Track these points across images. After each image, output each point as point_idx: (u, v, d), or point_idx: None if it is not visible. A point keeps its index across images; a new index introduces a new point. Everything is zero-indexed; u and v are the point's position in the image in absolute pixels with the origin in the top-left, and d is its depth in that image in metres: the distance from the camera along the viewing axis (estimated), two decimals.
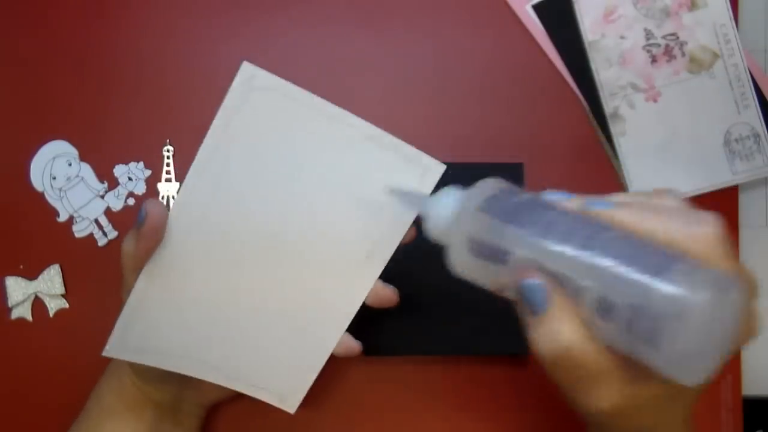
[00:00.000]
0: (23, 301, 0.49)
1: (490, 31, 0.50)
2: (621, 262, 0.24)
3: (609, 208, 0.27)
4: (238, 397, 0.45)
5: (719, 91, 0.49)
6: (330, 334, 0.40)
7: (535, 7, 0.49)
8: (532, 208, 0.28)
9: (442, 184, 0.48)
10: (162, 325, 0.38)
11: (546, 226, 0.27)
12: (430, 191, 0.38)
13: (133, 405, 0.42)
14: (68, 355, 0.49)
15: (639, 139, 0.49)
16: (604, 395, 0.27)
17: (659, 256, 0.24)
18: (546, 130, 0.50)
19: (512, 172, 0.49)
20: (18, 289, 0.48)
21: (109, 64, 0.50)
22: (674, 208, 0.27)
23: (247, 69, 0.37)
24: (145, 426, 0.42)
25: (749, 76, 0.49)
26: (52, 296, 0.49)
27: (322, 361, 0.40)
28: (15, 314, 0.49)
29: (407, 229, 0.39)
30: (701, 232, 0.26)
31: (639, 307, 0.24)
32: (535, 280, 0.27)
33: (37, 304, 0.49)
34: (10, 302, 0.48)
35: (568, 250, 0.26)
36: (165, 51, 0.50)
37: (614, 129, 0.49)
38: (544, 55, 0.50)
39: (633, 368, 0.26)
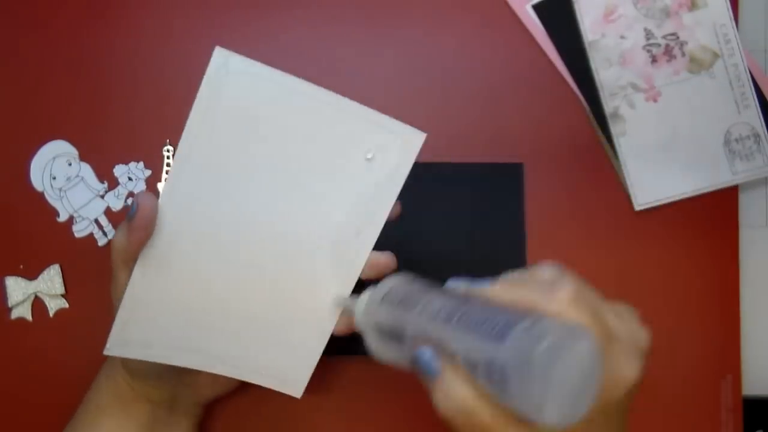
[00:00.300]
0: (23, 301, 0.49)
1: (490, 31, 0.50)
2: (474, 327, 0.29)
3: (485, 286, 0.32)
4: (235, 394, 0.46)
5: (719, 91, 0.49)
6: (328, 314, 0.40)
7: (535, 7, 0.49)
8: (420, 293, 0.34)
9: (443, 177, 0.49)
10: (160, 318, 0.38)
11: (425, 306, 0.32)
12: (413, 160, 0.39)
13: (128, 404, 0.42)
14: (68, 355, 0.49)
15: (639, 139, 0.49)
16: None
17: (509, 316, 0.28)
18: (546, 130, 0.50)
19: (512, 172, 0.49)
20: (18, 289, 0.48)
21: (109, 64, 0.50)
22: (542, 278, 0.32)
23: (220, 54, 0.37)
24: (139, 425, 0.42)
25: (749, 76, 0.49)
26: (52, 296, 0.49)
27: (323, 343, 0.40)
28: (15, 314, 0.49)
29: (393, 202, 0.39)
30: (557, 294, 0.30)
31: (490, 361, 0.28)
32: (422, 350, 0.31)
33: (37, 304, 0.49)
34: (10, 302, 0.48)
35: (438, 323, 0.31)
36: (165, 51, 0.50)
37: (614, 129, 0.49)
38: (544, 55, 0.50)
39: (525, 421, 0.29)
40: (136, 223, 0.36)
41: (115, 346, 0.38)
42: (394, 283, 0.36)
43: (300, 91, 0.38)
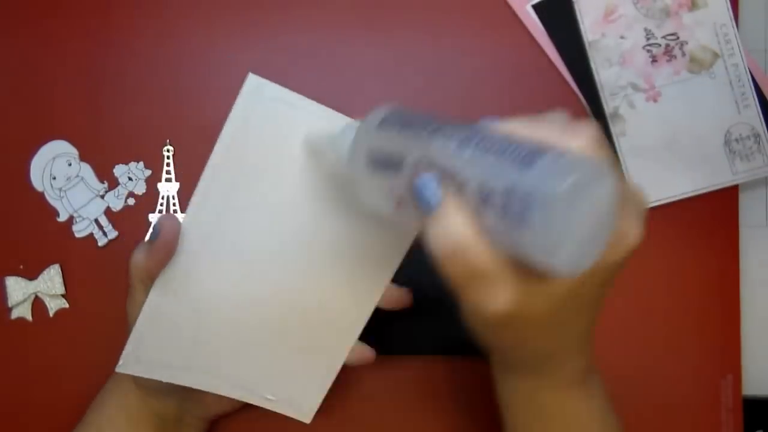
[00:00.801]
0: (23, 301, 0.49)
1: (490, 31, 0.50)
2: (496, 153, 0.26)
3: (497, 122, 0.29)
4: (241, 409, 0.45)
5: (719, 91, 0.49)
6: (342, 342, 0.40)
7: (535, 7, 0.49)
8: (425, 119, 0.30)
9: None
10: (174, 339, 0.38)
11: (433, 131, 0.28)
12: None
13: (135, 417, 0.42)
14: (68, 355, 0.49)
15: (639, 139, 0.49)
16: (498, 292, 0.27)
17: (532, 148, 0.25)
18: None
19: None
20: (18, 289, 0.48)
21: (110, 64, 0.50)
22: (558, 118, 0.28)
23: (252, 80, 0.36)
24: None
25: (749, 76, 0.49)
26: (52, 296, 0.49)
27: (336, 370, 0.40)
28: (15, 314, 0.49)
29: (415, 235, 0.38)
30: (580, 133, 0.27)
31: (511, 189, 0.24)
32: (424, 176, 0.28)
33: (37, 304, 0.49)
34: (10, 302, 0.48)
35: (450, 147, 0.27)
36: (165, 51, 0.50)
37: (614, 129, 0.49)
38: (544, 55, 0.50)
39: (524, 269, 0.27)
40: (157, 245, 0.36)
41: (127, 364, 0.38)
42: (392, 108, 0.32)
43: (327, 119, 0.37)
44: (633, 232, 0.28)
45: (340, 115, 0.37)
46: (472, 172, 0.26)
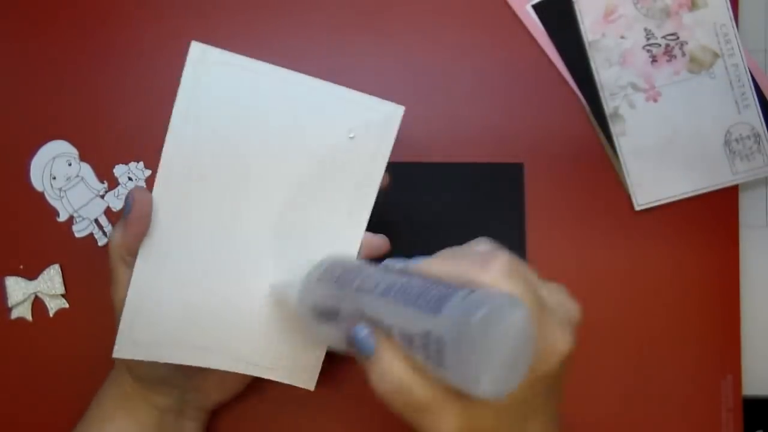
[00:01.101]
0: (23, 301, 0.49)
1: (490, 31, 0.50)
2: (412, 299, 0.29)
3: (420, 262, 0.32)
4: (239, 399, 0.45)
5: (719, 91, 0.49)
6: None
7: (535, 7, 0.49)
8: (357, 271, 0.34)
9: (443, 177, 0.49)
10: (166, 315, 0.38)
11: (361, 283, 0.32)
12: (394, 134, 0.39)
13: (135, 411, 0.42)
14: (68, 355, 0.49)
15: (639, 139, 0.49)
16: (444, 420, 0.29)
17: (445, 289, 0.28)
18: (546, 130, 0.50)
19: (512, 172, 0.49)
20: (18, 289, 0.48)
21: (110, 64, 0.50)
22: (477, 251, 0.32)
23: (196, 48, 0.37)
24: None
25: (749, 76, 0.49)
26: (52, 296, 0.49)
27: None
28: (15, 314, 0.49)
29: (380, 180, 0.39)
30: (490, 265, 0.30)
31: (425, 334, 0.27)
32: (358, 328, 0.31)
33: (37, 304, 0.49)
34: (10, 302, 0.48)
35: (373, 298, 0.31)
36: (165, 51, 0.50)
37: (614, 129, 0.49)
38: (544, 55, 0.50)
39: (462, 394, 0.29)
40: (132, 216, 0.36)
41: (123, 348, 0.38)
42: (331, 262, 0.36)
43: (278, 77, 0.38)
44: (560, 342, 0.30)
45: (289, 71, 0.38)
46: (394, 320, 0.30)
